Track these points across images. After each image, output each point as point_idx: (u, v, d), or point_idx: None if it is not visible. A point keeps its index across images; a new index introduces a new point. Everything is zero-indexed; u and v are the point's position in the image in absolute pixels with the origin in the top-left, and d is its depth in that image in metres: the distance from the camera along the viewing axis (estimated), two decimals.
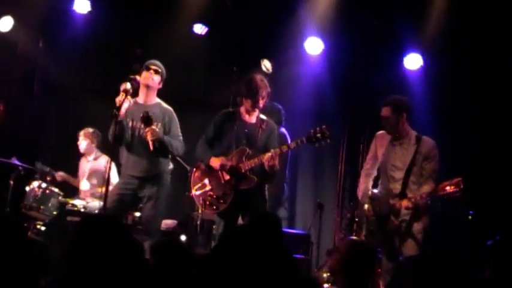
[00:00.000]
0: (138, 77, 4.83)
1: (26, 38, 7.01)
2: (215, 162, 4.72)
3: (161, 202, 4.85)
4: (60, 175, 6.50)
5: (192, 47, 6.96)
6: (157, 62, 4.91)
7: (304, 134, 4.57)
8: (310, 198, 7.33)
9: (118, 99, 4.61)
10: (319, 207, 6.38)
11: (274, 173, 4.64)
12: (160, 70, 4.86)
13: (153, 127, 4.68)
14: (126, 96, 4.62)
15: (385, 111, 4.73)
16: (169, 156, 4.95)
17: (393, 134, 4.77)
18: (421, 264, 2.40)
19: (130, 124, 4.81)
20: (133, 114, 4.82)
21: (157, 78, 4.86)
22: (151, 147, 4.68)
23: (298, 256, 5.75)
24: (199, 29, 6.86)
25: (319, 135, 4.46)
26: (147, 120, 4.67)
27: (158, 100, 4.92)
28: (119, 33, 7.03)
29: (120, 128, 4.68)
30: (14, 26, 6.74)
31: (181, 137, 4.92)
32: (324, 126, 4.46)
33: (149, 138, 4.66)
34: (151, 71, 4.83)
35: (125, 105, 4.65)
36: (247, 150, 4.67)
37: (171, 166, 4.99)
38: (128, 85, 4.66)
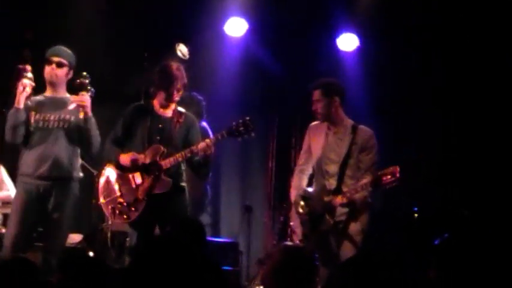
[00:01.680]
0: (28, 67, 4.74)
1: None
2: (125, 158, 4.73)
3: (69, 214, 4.78)
4: None
5: (95, 29, 6.91)
6: (61, 51, 4.81)
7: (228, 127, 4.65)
8: (236, 200, 7.46)
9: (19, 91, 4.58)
10: (247, 211, 6.52)
11: (210, 162, 4.73)
12: (65, 61, 4.79)
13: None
14: (22, 76, 4.59)
15: (315, 95, 4.90)
16: (87, 147, 4.81)
17: (325, 121, 4.94)
18: (352, 268, 2.36)
19: (36, 116, 4.72)
20: (41, 107, 4.75)
21: (61, 72, 4.79)
22: (81, 115, 4.61)
23: (225, 267, 5.85)
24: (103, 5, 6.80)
25: (242, 128, 4.56)
26: (81, 87, 4.63)
27: (69, 95, 4.84)
28: (2, 12, 6.74)
29: (19, 119, 4.61)
30: None
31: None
32: (247, 118, 4.56)
33: (81, 102, 4.59)
34: (53, 65, 4.76)
35: (22, 90, 4.60)
36: (162, 148, 4.71)
37: (81, 174, 4.92)
38: (26, 81, 4.61)
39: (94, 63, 6.85)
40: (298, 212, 4.98)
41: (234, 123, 4.57)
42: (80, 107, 4.62)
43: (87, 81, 4.69)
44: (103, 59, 7.01)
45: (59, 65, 4.77)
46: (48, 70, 4.77)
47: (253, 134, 4.58)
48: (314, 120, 5.06)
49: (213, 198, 7.18)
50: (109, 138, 4.90)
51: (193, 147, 4.59)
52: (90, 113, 4.67)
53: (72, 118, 4.73)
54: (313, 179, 5.08)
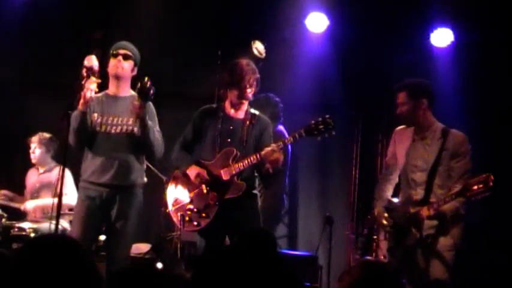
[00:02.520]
0: (96, 67, 4.85)
1: None
2: (192, 171, 4.81)
3: (133, 222, 4.87)
4: (2, 194, 6.52)
5: (165, 28, 7.02)
6: (127, 44, 4.93)
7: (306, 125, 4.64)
8: (316, 211, 7.42)
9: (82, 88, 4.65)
10: (328, 222, 6.40)
11: (279, 171, 4.73)
12: (131, 54, 4.88)
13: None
14: (89, 77, 4.64)
15: (400, 97, 4.80)
16: (149, 154, 4.91)
17: (411, 125, 4.84)
18: None
19: (98, 120, 4.83)
20: (103, 108, 4.86)
21: (128, 65, 4.87)
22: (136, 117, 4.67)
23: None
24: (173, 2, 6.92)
25: (321, 126, 4.54)
26: (142, 92, 4.65)
27: (133, 92, 4.89)
28: (71, 13, 7.05)
29: (83, 123, 4.72)
30: None
31: (160, 132, 4.92)
32: (327, 116, 4.56)
33: (138, 114, 4.66)
34: (120, 57, 4.85)
35: (88, 94, 4.67)
36: (235, 151, 4.75)
37: (145, 179, 5.01)
38: (93, 60, 4.67)
39: (164, 64, 7.12)
40: (382, 225, 4.92)
41: (312, 121, 4.57)
42: (136, 117, 4.71)
43: (151, 92, 4.70)
44: (174, 60, 7.18)
45: (126, 57, 4.86)
46: (113, 63, 4.86)
47: (333, 133, 4.56)
48: (401, 124, 4.98)
49: (291, 207, 7.23)
50: (178, 143, 4.98)
51: (260, 153, 4.61)
52: (148, 124, 4.72)
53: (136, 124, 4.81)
54: (399, 189, 5.00)
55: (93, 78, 4.67)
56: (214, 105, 5.07)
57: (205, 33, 7.14)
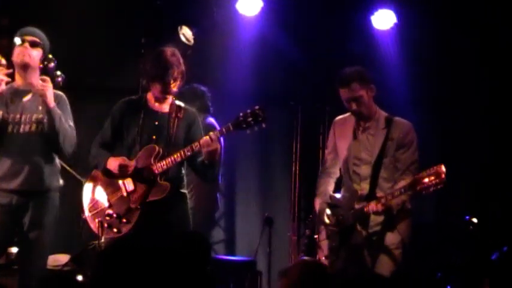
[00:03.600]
0: (2, 60, 4.74)
1: None
2: (113, 162, 4.73)
3: (49, 230, 4.81)
4: None
5: (84, 12, 6.91)
6: (34, 30, 4.81)
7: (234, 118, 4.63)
8: (254, 211, 7.41)
9: None
10: (268, 223, 6.45)
11: (216, 162, 4.71)
12: (39, 41, 4.77)
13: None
14: None
15: (354, 89, 4.77)
16: (57, 148, 4.80)
17: (366, 119, 4.84)
18: None
19: (3, 118, 4.73)
20: (7, 104, 4.75)
21: (36, 53, 4.76)
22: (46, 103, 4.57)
23: None
24: None
25: (250, 118, 4.52)
26: (45, 72, 4.60)
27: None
28: None
29: None
30: None
31: (73, 126, 4.83)
32: (256, 107, 4.53)
33: (41, 91, 4.55)
34: (27, 44, 4.73)
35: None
36: (157, 148, 4.70)
37: (61, 182, 4.93)
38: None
39: (84, 54, 7.00)
40: (324, 223, 4.95)
41: (241, 113, 4.55)
42: (40, 96, 4.59)
43: (51, 64, 4.65)
44: (93, 47, 7.05)
45: (33, 44, 4.74)
46: (19, 50, 4.72)
47: (264, 125, 4.54)
48: (346, 115, 5.02)
49: (227, 208, 7.25)
50: (96, 141, 4.91)
51: (194, 144, 4.58)
52: (52, 104, 4.60)
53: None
54: (341, 184, 5.04)
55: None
56: (134, 97, 4.99)
57: (129, 19, 7.04)
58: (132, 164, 4.70)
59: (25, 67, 4.73)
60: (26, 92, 4.79)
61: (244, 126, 4.54)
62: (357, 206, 4.75)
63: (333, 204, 4.94)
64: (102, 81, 7.23)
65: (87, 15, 6.94)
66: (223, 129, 4.60)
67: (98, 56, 7.14)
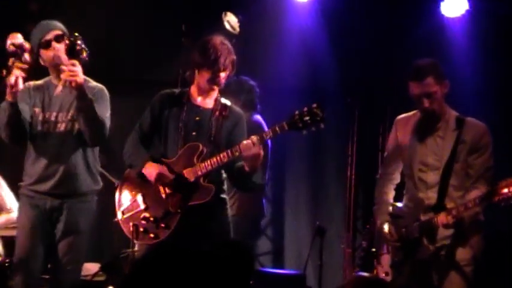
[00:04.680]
0: (26, 44, 4.73)
1: None
2: (150, 170, 4.72)
3: (84, 237, 4.85)
4: None
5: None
6: (50, 23, 4.80)
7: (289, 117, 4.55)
8: (304, 220, 7.40)
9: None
10: (319, 234, 6.38)
11: (257, 170, 4.64)
12: (62, 32, 4.78)
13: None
14: (18, 59, 4.54)
15: (429, 84, 4.64)
16: (88, 140, 4.79)
17: (437, 118, 4.74)
18: None
19: (39, 117, 4.79)
20: (44, 102, 4.81)
21: (63, 46, 4.77)
22: (72, 89, 4.57)
23: None
24: None
25: (307, 118, 4.45)
26: (72, 50, 4.60)
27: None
28: None
29: (14, 116, 4.65)
30: None
31: (107, 120, 4.84)
32: (314, 105, 4.44)
33: (67, 76, 4.54)
34: (53, 44, 4.72)
35: (14, 80, 4.56)
36: (201, 147, 4.67)
37: (100, 184, 4.96)
38: (19, 39, 4.57)
39: (120, 44, 7.03)
40: (384, 235, 4.88)
41: (296, 111, 4.46)
42: (69, 82, 4.57)
43: (78, 43, 4.62)
44: (128, 38, 7.09)
45: (58, 39, 4.75)
46: (47, 54, 4.74)
47: (322, 126, 4.46)
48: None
49: (274, 216, 7.26)
50: (133, 135, 4.90)
51: (233, 149, 4.53)
52: (83, 88, 4.60)
53: None
54: (404, 191, 4.96)
55: (20, 62, 4.57)
56: (176, 90, 4.99)
57: (167, 6, 7.09)
58: (171, 175, 4.68)
59: (57, 65, 4.73)
60: (61, 89, 4.79)
61: (301, 126, 4.46)
62: (423, 218, 4.65)
63: (395, 214, 4.87)
64: (138, 73, 7.31)
65: (121, 1, 7.01)
66: (277, 129, 4.51)
67: (133, 46, 7.23)
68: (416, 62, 4.77)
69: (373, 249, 5.24)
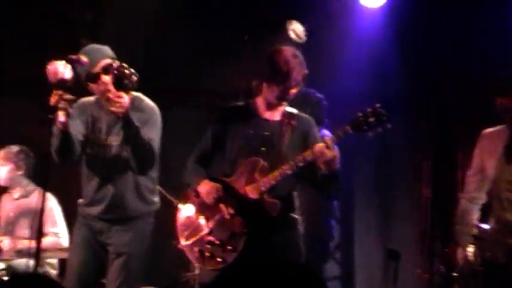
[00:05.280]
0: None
1: None
2: (206, 188, 4.73)
3: (139, 260, 4.93)
4: None
5: (171, 5, 7.03)
6: (103, 52, 4.85)
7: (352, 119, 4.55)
8: (375, 242, 7.36)
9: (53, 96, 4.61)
10: (393, 258, 6.38)
11: (337, 172, 4.60)
12: (111, 60, 4.82)
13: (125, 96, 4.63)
14: (62, 88, 4.58)
15: None
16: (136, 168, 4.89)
17: None
18: None
19: (88, 136, 4.89)
20: (94, 123, 4.90)
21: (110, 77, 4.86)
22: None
23: None
24: None
25: (372, 119, 4.42)
26: (120, 83, 4.63)
27: (133, 93, 4.90)
28: None
29: (65, 143, 4.74)
30: None
31: (156, 144, 4.90)
32: (377, 105, 4.44)
33: (114, 108, 4.62)
34: (102, 78, 4.77)
35: (62, 118, 4.65)
36: (261, 161, 4.66)
37: (157, 205, 5.03)
38: (62, 68, 4.59)
39: (173, 52, 7.05)
40: (466, 260, 4.82)
41: (359, 112, 4.46)
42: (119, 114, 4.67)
43: (126, 73, 4.61)
44: (184, 47, 7.14)
45: (106, 70, 4.78)
46: (98, 89, 4.80)
47: (389, 125, 4.43)
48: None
49: (343, 238, 7.18)
50: (192, 156, 4.90)
51: (305, 153, 4.50)
52: (129, 117, 4.68)
53: None
54: (490, 212, 4.90)
55: (66, 95, 4.61)
56: (241, 104, 4.98)
57: (225, 12, 7.11)
58: (231, 194, 4.68)
59: (105, 94, 4.80)
60: (111, 111, 4.85)
61: (366, 128, 4.44)
62: (510, 241, 4.61)
63: (479, 236, 4.81)
64: (195, 83, 7.31)
65: (176, 7, 7.09)
66: (340, 133, 4.49)
67: (193, 58, 7.23)
68: (503, 75, 4.82)
69: (454, 274, 5.09)
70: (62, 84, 4.59)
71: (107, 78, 4.77)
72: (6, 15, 7.12)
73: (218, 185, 4.70)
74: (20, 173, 6.47)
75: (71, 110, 4.72)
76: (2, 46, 7.21)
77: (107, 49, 4.88)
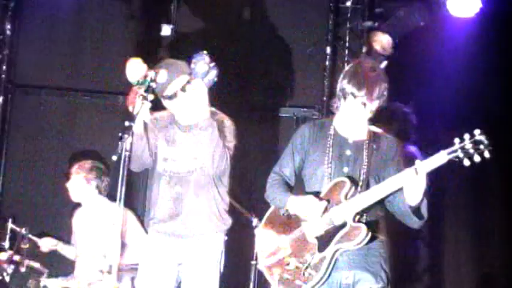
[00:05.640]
0: (163, 75, 4.84)
1: None
2: (296, 203, 4.67)
3: (211, 279, 4.97)
4: (46, 243, 6.68)
5: (252, 16, 7.13)
6: (179, 68, 4.96)
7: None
8: (469, 265, 7.21)
9: (132, 99, 4.71)
10: (488, 284, 6.29)
11: (423, 201, 4.53)
12: (188, 76, 4.94)
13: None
14: (147, 91, 4.62)
15: None
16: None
17: None
18: None
19: (164, 153, 4.99)
20: (170, 137, 5.01)
21: (194, 88, 4.95)
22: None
23: None
24: None
25: (470, 146, 4.29)
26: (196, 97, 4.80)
27: (212, 110, 5.02)
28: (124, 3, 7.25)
29: (144, 150, 4.89)
30: None
31: (231, 147, 4.99)
32: (477, 131, 4.28)
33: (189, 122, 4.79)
34: (180, 95, 4.90)
35: (146, 108, 4.71)
36: (349, 183, 4.57)
37: (229, 222, 5.07)
38: (152, 73, 4.67)
39: (253, 66, 7.03)
40: None
41: (457, 139, 4.32)
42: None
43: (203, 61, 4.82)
44: (263, 60, 7.21)
45: (183, 89, 4.91)
46: (170, 104, 4.95)
47: (488, 155, 4.28)
48: None
49: (431, 261, 6.99)
50: (273, 174, 4.87)
51: (392, 180, 4.43)
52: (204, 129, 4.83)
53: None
54: None
55: (148, 100, 4.65)
56: (323, 120, 4.96)
57: (308, 22, 7.18)
58: (322, 204, 4.59)
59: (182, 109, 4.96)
60: (188, 127, 4.97)
61: (462, 156, 4.31)
62: None
63: None
64: (273, 98, 7.31)
65: (256, 20, 7.21)
66: (435, 161, 4.37)
67: (262, 69, 7.29)
68: None
69: None
70: (142, 82, 4.65)
71: (183, 95, 4.89)
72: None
73: (311, 196, 4.63)
74: (93, 187, 6.57)
75: (148, 116, 4.83)
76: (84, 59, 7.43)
77: (183, 65, 4.97)
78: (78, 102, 7.48)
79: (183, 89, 4.90)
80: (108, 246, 5.88)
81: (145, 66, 4.75)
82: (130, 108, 4.67)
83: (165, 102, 4.98)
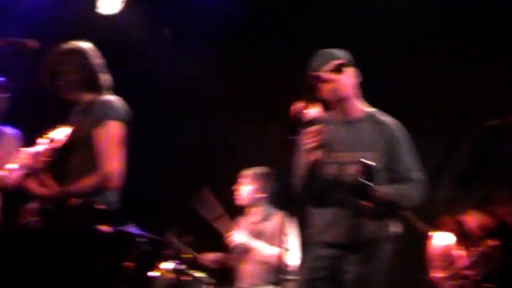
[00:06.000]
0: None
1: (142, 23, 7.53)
2: (473, 220, 4.65)
3: None
4: (207, 258, 6.89)
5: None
6: (327, 56, 4.95)
7: None
8: None
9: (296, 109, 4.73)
10: None
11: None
12: (340, 62, 4.93)
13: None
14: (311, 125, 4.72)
15: None
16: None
17: None
18: None
19: (325, 156, 4.89)
20: (330, 142, 4.91)
21: (342, 77, 4.94)
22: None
23: None
24: None
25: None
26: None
27: (367, 109, 5.03)
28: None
29: (314, 175, 4.83)
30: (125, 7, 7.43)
31: (418, 169, 4.94)
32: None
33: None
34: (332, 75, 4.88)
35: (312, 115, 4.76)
36: None
37: (395, 230, 5.00)
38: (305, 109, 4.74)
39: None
40: None
41: None
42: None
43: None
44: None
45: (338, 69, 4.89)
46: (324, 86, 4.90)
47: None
48: None
49: None
50: (448, 177, 4.88)
51: None
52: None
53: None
54: None
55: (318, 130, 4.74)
56: (498, 122, 4.87)
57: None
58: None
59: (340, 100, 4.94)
60: (349, 124, 4.98)
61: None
62: None
63: None
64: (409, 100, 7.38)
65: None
66: None
67: (419, 67, 7.42)
68: None
69: None
70: (310, 122, 4.74)
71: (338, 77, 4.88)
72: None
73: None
74: (262, 195, 6.69)
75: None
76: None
77: (335, 51, 4.98)
78: None
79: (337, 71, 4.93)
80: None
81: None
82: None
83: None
